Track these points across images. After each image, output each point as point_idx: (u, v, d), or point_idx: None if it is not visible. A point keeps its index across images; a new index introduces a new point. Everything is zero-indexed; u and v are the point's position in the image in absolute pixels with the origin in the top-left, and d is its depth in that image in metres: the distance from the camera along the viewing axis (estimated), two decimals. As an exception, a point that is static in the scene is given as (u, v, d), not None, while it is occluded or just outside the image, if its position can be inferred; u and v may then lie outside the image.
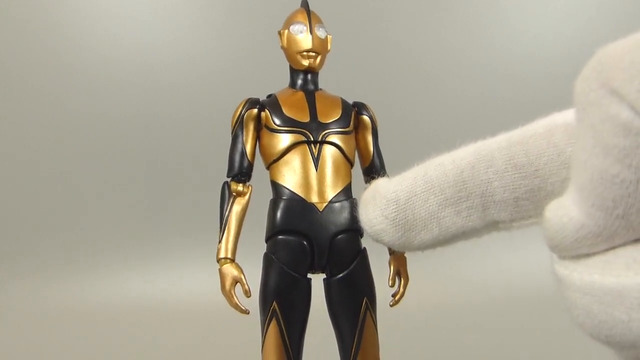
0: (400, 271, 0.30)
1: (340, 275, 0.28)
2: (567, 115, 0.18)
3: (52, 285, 0.83)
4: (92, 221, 0.90)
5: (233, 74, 0.77)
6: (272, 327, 0.27)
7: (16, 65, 0.92)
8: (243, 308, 0.28)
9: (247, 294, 0.28)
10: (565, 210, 0.15)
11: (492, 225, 0.18)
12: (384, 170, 0.31)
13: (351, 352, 0.28)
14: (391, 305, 0.29)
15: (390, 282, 0.29)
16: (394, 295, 0.30)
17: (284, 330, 0.27)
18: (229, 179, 0.29)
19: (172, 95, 0.90)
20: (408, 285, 0.30)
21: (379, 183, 0.20)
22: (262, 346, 0.27)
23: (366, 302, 0.28)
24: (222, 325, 0.59)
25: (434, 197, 0.18)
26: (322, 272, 0.28)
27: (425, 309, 0.75)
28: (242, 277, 0.27)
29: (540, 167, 0.17)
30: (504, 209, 0.18)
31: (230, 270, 0.28)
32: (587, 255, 0.15)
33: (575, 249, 0.15)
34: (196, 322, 0.72)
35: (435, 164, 0.19)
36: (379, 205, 0.19)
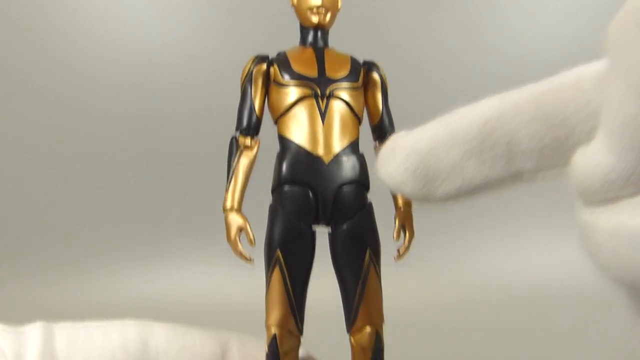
0: (405, 225, 0.30)
1: (344, 226, 0.28)
2: (595, 67, 0.18)
3: (52, 285, 0.83)
4: (91, 221, 0.90)
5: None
6: (275, 275, 0.27)
7: (15, 65, 0.91)
8: (247, 256, 0.28)
9: (252, 242, 0.28)
10: (595, 154, 0.15)
11: (517, 176, 0.18)
12: (393, 128, 0.31)
13: (354, 303, 0.28)
14: (396, 260, 0.29)
15: (395, 235, 0.29)
16: (399, 250, 0.29)
17: (287, 278, 0.27)
18: (237, 134, 0.29)
19: (172, 95, 0.90)
20: (413, 241, 0.30)
21: (399, 135, 0.20)
22: (266, 295, 0.27)
23: (370, 254, 0.28)
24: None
25: (457, 147, 0.18)
26: (327, 226, 0.28)
27: (424, 309, 0.75)
28: (247, 226, 0.28)
29: (568, 115, 0.17)
30: (529, 158, 0.17)
31: (235, 219, 0.28)
32: (614, 200, 0.15)
33: (603, 193, 0.15)
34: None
35: (459, 115, 0.19)
36: (400, 157, 0.19)
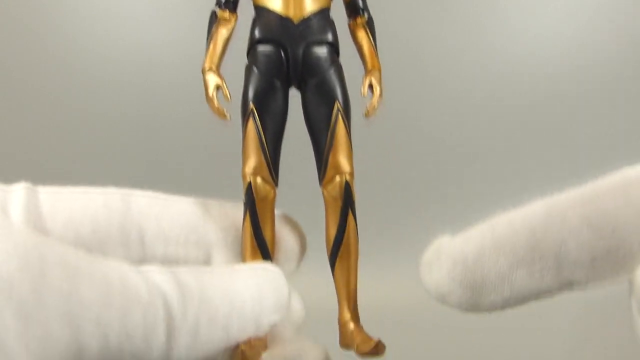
0: (372, 83, 0.30)
1: (314, 81, 0.29)
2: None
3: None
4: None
5: (233, 73, 0.77)
6: (250, 126, 0.28)
7: (15, 65, 0.91)
8: (224, 112, 0.29)
9: (227, 97, 0.29)
10: None
11: (567, 285, 0.18)
12: (366, 5, 0.32)
13: (323, 154, 0.29)
14: (365, 116, 0.30)
15: (362, 90, 0.30)
16: (367, 107, 0.30)
17: (260, 130, 0.28)
18: (216, 8, 0.31)
19: (172, 95, 0.90)
20: (381, 100, 0.30)
21: (443, 242, 0.20)
22: (242, 148, 0.29)
23: (338, 106, 0.28)
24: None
25: (504, 257, 0.17)
26: (299, 88, 0.29)
27: (424, 308, 0.75)
28: (223, 83, 0.29)
29: (618, 226, 0.16)
30: (579, 269, 0.17)
31: (213, 77, 0.30)
32: None
33: None
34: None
35: (504, 222, 0.18)
36: (445, 266, 0.19)
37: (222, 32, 0.31)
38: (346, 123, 0.29)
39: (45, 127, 0.91)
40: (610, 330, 0.51)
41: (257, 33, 0.29)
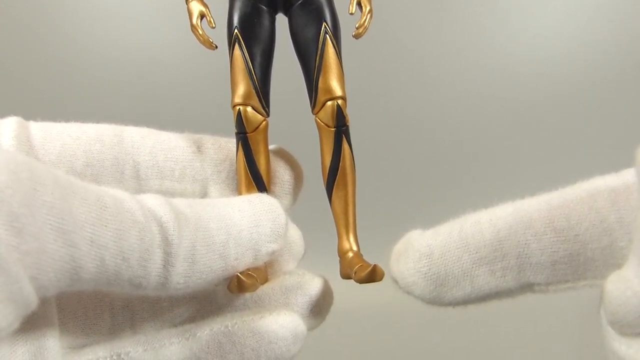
0: (360, 0, 0.29)
1: (300, 2, 0.28)
2: (609, 181, 0.17)
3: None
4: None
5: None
6: (236, 54, 0.27)
7: (15, 65, 0.91)
8: (210, 41, 0.28)
9: (211, 24, 0.28)
10: (629, 284, 0.14)
11: (527, 287, 0.18)
12: None
13: (313, 78, 0.27)
14: (354, 36, 0.29)
15: (350, 8, 0.29)
16: (356, 26, 0.29)
17: (246, 55, 0.27)
18: None
19: (172, 95, 0.90)
20: (371, 18, 0.29)
21: (412, 235, 0.20)
22: (230, 75, 0.28)
23: (326, 27, 0.27)
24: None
25: (468, 254, 0.18)
26: (285, 13, 0.28)
27: (424, 308, 0.75)
28: (207, 10, 0.28)
29: (581, 232, 0.17)
30: (540, 272, 0.17)
31: (196, 5, 0.28)
32: None
33: (638, 325, 0.14)
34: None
35: (472, 221, 0.19)
36: (412, 258, 0.19)
37: None
38: (335, 45, 0.28)
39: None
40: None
41: None
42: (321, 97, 0.27)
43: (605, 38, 0.90)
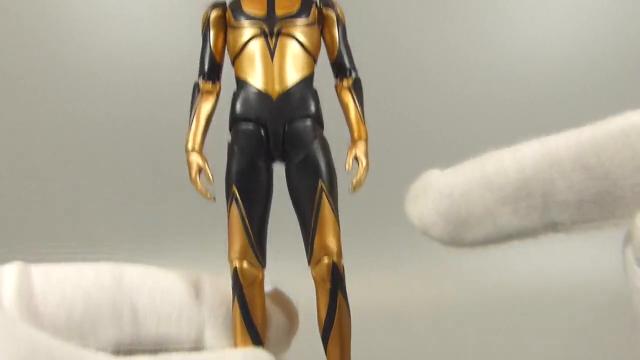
0: (357, 156, 0.29)
1: (296, 159, 0.28)
2: None
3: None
4: (91, 221, 0.90)
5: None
6: (233, 210, 0.28)
7: (16, 65, 0.91)
8: (207, 194, 0.29)
9: (209, 179, 0.29)
10: None
11: (551, 227, 0.18)
12: (353, 65, 0.30)
13: (310, 236, 0.28)
14: (350, 191, 0.29)
15: (346, 166, 0.29)
16: (352, 181, 0.29)
17: (243, 213, 0.27)
18: (199, 79, 0.30)
19: (172, 95, 0.90)
20: (367, 172, 0.29)
21: (431, 175, 0.20)
22: (227, 231, 0.28)
23: (322, 184, 0.28)
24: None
25: (490, 193, 0.17)
26: (283, 161, 0.29)
27: (421, 309, 0.75)
28: (206, 165, 0.29)
29: (612, 169, 0.16)
30: (565, 210, 0.17)
31: (195, 159, 0.29)
32: None
33: None
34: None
35: (495, 159, 0.18)
36: (431, 198, 0.19)
37: (205, 108, 0.30)
38: (331, 201, 0.28)
39: (45, 128, 0.91)
40: (610, 330, 0.52)
41: (237, 109, 0.29)
42: (317, 254, 0.28)
43: (606, 38, 0.90)
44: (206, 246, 0.84)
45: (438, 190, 0.19)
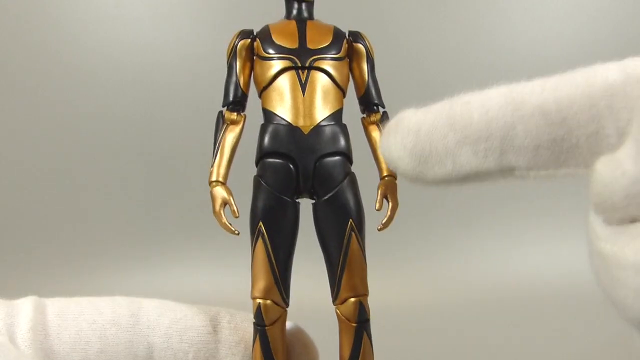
0: (388, 195, 0.29)
1: (326, 197, 0.28)
2: (610, 69, 0.17)
3: (51, 286, 0.83)
4: (91, 222, 0.90)
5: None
6: (259, 247, 0.27)
7: (15, 65, 0.91)
8: (232, 228, 0.28)
9: (235, 214, 0.28)
10: (619, 164, 0.14)
11: (508, 171, 0.18)
12: (381, 100, 0.30)
13: (337, 275, 0.27)
14: (379, 230, 0.29)
15: (377, 205, 0.29)
16: (382, 221, 0.29)
17: (270, 250, 0.27)
18: (223, 109, 0.29)
19: (172, 95, 0.90)
20: (397, 211, 0.29)
21: (406, 112, 0.20)
22: (251, 267, 0.27)
23: (352, 224, 0.27)
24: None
25: (453, 133, 0.18)
26: (310, 198, 0.28)
27: (421, 309, 0.75)
28: (231, 199, 0.28)
29: (568, 116, 0.16)
30: (522, 156, 0.17)
31: (220, 192, 0.28)
32: (636, 222, 0.14)
33: (623, 207, 0.14)
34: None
35: (463, 101, 0.19)
36: (400, 134, 0.19)
37: (229, 138, 0.29)
38: (360, 239, 0.28)
39: (44, 128, 0.91)
40: (610, 330, 0.52)
41: (265, 143, 0.28)
42: (344, 294, 0.28)
43: (606, 38, 0.90)
44: (206, 246, 0.84)
45: (407, 127, 0.19)
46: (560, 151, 0.17)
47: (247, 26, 0.30)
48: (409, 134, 0.19)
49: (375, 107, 0.30)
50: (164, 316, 0.26)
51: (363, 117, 0.30)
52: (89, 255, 0.87)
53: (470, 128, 0.18)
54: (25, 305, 0.24)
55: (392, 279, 0.79)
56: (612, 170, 0.14)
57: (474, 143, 0.18)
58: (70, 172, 0.91)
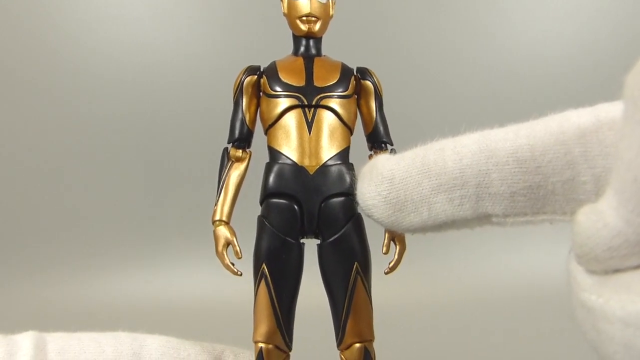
0: (395, 239, 0.29)
1: (331, 239, 0.27)
2: (582, 115, 0.17)
3: (51, 286, 0.83)
4: (90, 222, 0.90)
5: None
6: (262, 289, 0.27)
7: (15, 65, 0.91)
8: (234, 269, 0.28)
9: (238, 255, 0.28)
10: (600, 215, 0.13)
11: (485, 218, 0.18)
12: (389, 137, 0.30)
13: (342, 319, 0.27)
14: (386, 273, 0.29)
15: (384, 249, 0.28)
16: (390, 264, 0.29)
17: (273, 293, 0.27)
18: (229, 145, 0.29)
19: (172, 95, 0.90)
20: (404, 254, 0.29)
21: (379, 158, 0.20)
22: (254, 309, 0.27)
23: (357, 268, 0.27)
24: (221, 325, 0.59)
25: (428, 180, 0.18)
26: (316, 237, 0.28)
27: (420, 310, 0.75)
28: (234, 239, 0.28)
29: (543, 164, 0.16)
30: (498, 203, 0.17)
31: (223, 232, 0.28)
32: (618, 270, 0.13)
33: (606, 260, 0.13)
34: (196, 323, 0.72)
35: (436, 148, 0.19)
36: (374, 181, 0.19)
37: (234, 176, 0.29)
38: (365, 283, 0.27)
39: (44, 127, 0.91)
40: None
41: (270, 183, 0.27)
42: (349, 339, 0.27)
43: (606, 38, 0.90)
44: (206, 246, 0.84)
45: (381, 174, 0.19)
46: (537, 198, 0.17)
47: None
48: (382, 181, 0.19)
49: (383, 145, 0.30)
50: (167, 355, 0.25)
51: (371, 155, 0.30)
52: (89, 255, 0.87)
53: (444, 176, 0.17)
54: (25, 342, 0.23)
55: (392, 279, 0.79)
56: (593, 222, 0.14)
57: (449, 190, 0.17)
58: (70, 171, 0.91)
